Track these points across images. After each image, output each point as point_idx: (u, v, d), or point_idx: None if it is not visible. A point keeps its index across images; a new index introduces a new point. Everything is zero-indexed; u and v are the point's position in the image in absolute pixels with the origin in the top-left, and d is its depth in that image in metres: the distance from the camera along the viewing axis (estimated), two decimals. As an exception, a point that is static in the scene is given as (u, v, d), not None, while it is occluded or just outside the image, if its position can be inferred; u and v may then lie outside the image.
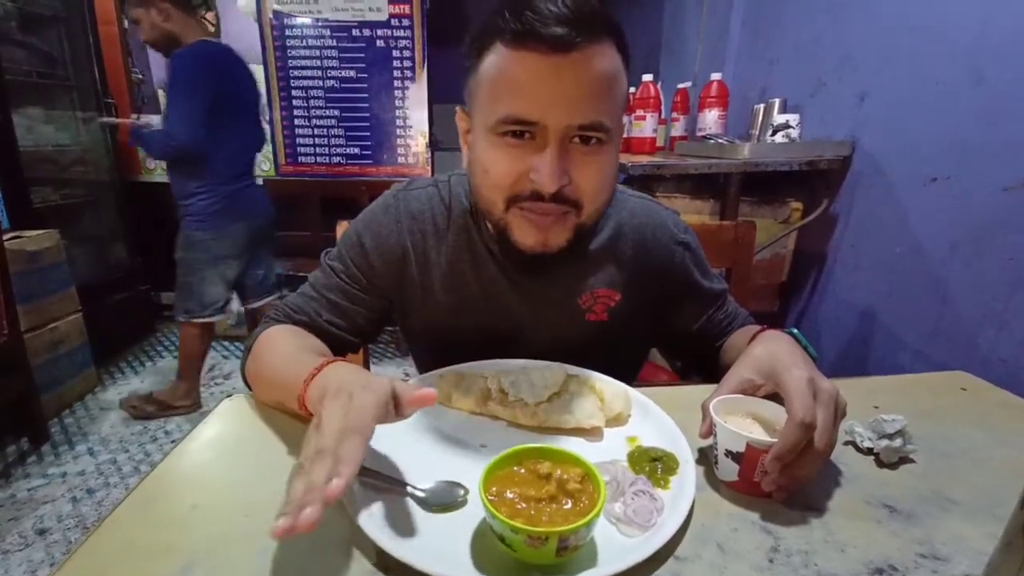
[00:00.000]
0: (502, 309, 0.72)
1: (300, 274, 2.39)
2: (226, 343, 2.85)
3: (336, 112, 2.62)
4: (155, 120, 2.12)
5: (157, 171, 2.94)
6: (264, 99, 2.41)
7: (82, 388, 2.28)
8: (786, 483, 0.47)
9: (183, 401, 2.18)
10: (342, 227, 0.86)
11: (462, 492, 0.48)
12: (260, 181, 2.35)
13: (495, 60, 0.55)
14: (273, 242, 2.29)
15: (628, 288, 0.74)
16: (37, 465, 1.82)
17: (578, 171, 0.56)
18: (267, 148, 2.81)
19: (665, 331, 0.81)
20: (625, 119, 0.62)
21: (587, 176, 0.57)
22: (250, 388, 0.68)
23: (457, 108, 0.64)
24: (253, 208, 2.09)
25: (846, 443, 0.59)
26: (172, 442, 1.99)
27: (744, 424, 0.52)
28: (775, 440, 0.46)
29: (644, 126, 1.84)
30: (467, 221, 0.72)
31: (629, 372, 0.85)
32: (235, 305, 2.78)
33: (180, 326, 2.08)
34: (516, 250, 0.62)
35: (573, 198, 0.58)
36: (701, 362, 0.84)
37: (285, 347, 0.65)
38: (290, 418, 0.61)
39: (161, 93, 3.22)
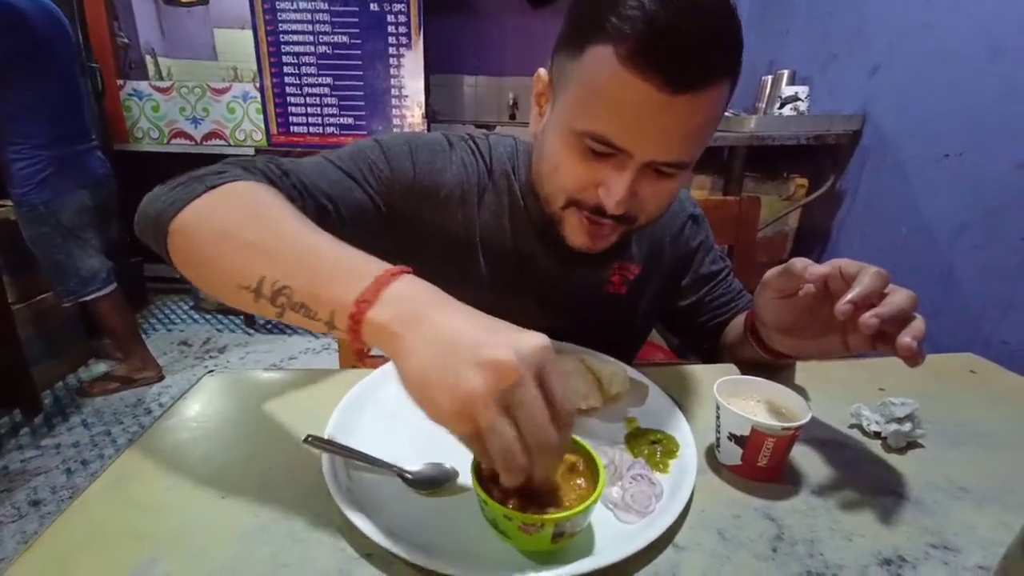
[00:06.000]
0: (532, 276, 0.69)
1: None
2: (220, 316, 2.82)
3: (329, 80, 2.53)
4: None
5: (145, 140, 2.86)
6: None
7: (75, 360, 2.26)
8: (887, 319, 0.44)
9: (143, 373, 2.13)
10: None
11: (453, 474, 0.46)
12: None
13: (601, 66, 0.47)
14: (113, 220, 2.05)
15: (646, 261, 0.73)
16: (30, 437, 1.81)
17: (644, 191, 0.54)
18: (258, 117, 2.74)
19: (668, 306, 0.80)
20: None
21: (651, 197, 0.55)
22: (165, 246, 0.46)
23: (541, 70, 0.58)
24: (91, 175, 1.90)
25: (852, 426, 0.57)
26: (165, 415, 1.97)
27: (748, 407, 0.50)
28: (781, 424, 0.45)
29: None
30: (509, 185, 0.68)
31: (635, 349, 0.84)
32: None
33: (90, 308, 1.96)
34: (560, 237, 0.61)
35: (631, 214, 0.56)
36: (701, 342, 0.81)
37: (296, 218, 0.45)
38: (274, 396, 0.59)
39: (149, 58, 3.13)
